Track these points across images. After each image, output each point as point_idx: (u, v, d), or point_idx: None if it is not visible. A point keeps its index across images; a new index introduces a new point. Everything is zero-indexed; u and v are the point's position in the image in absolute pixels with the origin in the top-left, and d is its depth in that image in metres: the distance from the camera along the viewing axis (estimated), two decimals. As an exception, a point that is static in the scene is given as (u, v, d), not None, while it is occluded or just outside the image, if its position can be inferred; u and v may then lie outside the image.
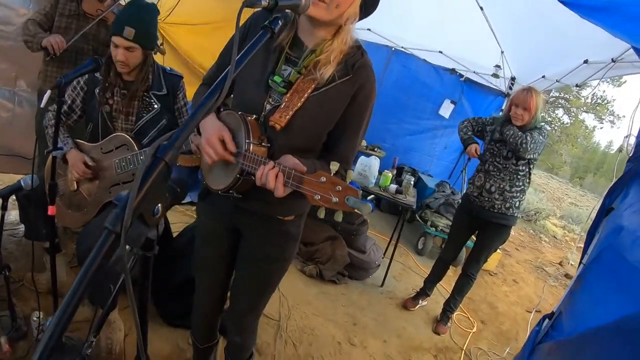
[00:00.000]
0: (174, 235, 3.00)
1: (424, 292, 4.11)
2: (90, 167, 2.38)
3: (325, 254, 4.14)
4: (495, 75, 5.59)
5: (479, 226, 3.62)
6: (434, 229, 5.41)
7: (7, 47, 3.31)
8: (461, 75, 6.76)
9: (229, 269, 1.91)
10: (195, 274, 2.00)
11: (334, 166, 1.24)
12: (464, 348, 3.70)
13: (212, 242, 1.87)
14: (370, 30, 6.22)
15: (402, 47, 6.75)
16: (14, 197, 2.39)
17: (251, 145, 1.45)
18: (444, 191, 5.97)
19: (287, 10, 1.30)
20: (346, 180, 1.21)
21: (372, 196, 4.54)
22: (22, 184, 2.27)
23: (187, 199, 4.21)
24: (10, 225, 3.30)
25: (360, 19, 1.55)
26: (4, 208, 2.22)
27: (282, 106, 1.50)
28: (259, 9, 1.12)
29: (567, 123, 23.46)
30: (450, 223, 5.23)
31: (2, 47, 3.35)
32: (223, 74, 1.00)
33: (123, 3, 3.16)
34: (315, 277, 4.06)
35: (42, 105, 2.16)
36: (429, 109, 7.02)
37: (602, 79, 3.77)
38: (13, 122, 3.55)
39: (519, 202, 3.40)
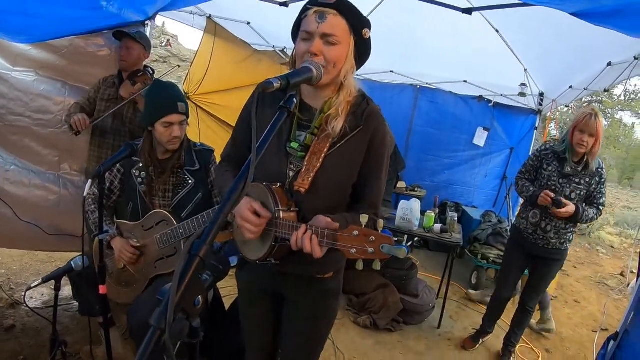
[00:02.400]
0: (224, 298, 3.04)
1: (484, 330, 3.93)
2: (136, 248, 2.50)
3: (378, 302, 4.10)
4: (522, 94, 5.57)
5: (533, 260, 3.46)
6: (485, 261, 5.27)
7: (47, 134, 3.53)
8: (489, 101, 6.73)
9: (275, 330, 1.94)
10: (244, 339, 2.04)
11: (364, 218, 1.30)
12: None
13: (256, 307, 1.93)
14: (393, 72, 6.33)
15: (427, 83, 6.82)
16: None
17: (281, 212, 1.52)
18: (490, 221, 5.86)
19: None
20: (378, 230, 1.28)
21: (417, 239, 4.48)
22: (73, 265, 2.47)
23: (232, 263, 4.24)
24: (65, 301, 3.47)
25: (358, 67, 1.63)
26: (57, 289, 2.38)
27: (304, 170, 1.58)
28: (272, 91, 1.20)
29: (605, 125, 22.76)
30: (501, 253, 5.10)
31: (43, 134, 3.56)
32: (246, 163, 1.07)
33: None
34: (370, 327, 4.00)
35: (84, 194, 2.29)
36: (463, 140, 6.99)
37: (629, 78, 3.68)
38: (60, 204, 3.71)
39: (572, 235, 3.30)
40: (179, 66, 6.33)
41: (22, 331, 3.33)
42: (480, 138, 6.84)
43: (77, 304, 3.20)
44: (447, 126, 6.97)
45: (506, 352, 3.71)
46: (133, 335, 2.45)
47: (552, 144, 3.30)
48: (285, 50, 5.51)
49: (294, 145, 1.59)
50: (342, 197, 1.67)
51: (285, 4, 3.63)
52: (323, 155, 1.56)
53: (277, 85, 1.21)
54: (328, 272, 1.76)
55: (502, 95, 6.44)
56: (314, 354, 1.91)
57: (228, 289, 3.45)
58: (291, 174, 1.62)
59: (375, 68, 6.20)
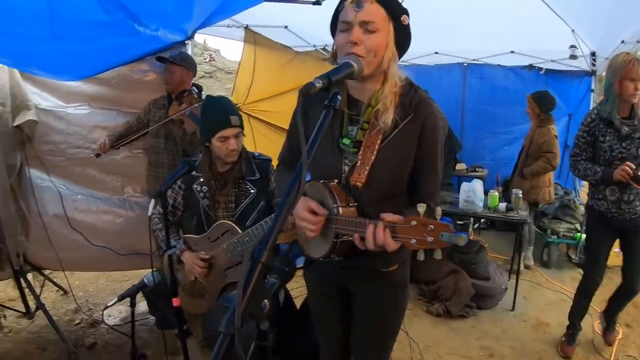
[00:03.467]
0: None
1: (575, 328, 3.49)
2: (205, 260, 2.60)
3: (449, 289, 4.07)
4: (573, 57, 5.34)
5: (622, 234, 3.15)
6: (555, 236, 5.12)
7: (108, 161, 3.75)
8: (540, 69, 6.45)
9: (347, 326, 1.98)
10: (318, 338, 2.11)
11: (422, 208, 1.30)
12: (612, 358, 3.38)
13: (325, 304, 1.99)
14: (437, 53, 6.23)
15: (474, 60, 6.67)
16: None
17: (340, 208, 1.54)
18: (556, 194, 5.62)
19: None
20: (436, 218, 1.26)
21: (483, 220, 4.40)
22: (146, 281, 2.57)
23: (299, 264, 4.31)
24: (141, 316, 3.68)
25: (400, 56, 1.61)
26: (133, 305, 2.50)
27: (359, 164, 1.59)
28: (315, 92, 1.21)
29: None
30: (571, 227, 4.91)
31: (104, 162, 3.78)
32: (298, 166, 1.09)
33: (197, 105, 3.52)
34: (443, 314, 3.99)
35: (149, 214, 2.42)
36: (518, 112, 6.66)
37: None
38: (128, 225, 3.93)
39: None
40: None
41: (103, 348, 3.59)
42: (536, 108, 6.59)
43: (153, 318, 3.36)
44: (499, 101, 6.75)
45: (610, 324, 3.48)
46: (208, 344, 2.59)
47: (596, 110, 3.00)
48: (326, 47, 5.54)
49: (346, 141, 1.62)
50: (399, 187, 1.68)
51: (318, 2, 3.64)
52: (376, 147, 1.57)
53: (319, 85, 1.22)
54: (393, 265, 1.77)
55: (552, 60, 6.17)
56: (386, 346, 1.94)
57: (299, 290, 3.53)
58: (346, 169, 1.64)
59: (419, 51, 6.13)
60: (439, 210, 1.28)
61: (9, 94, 3.37)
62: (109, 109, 3.77)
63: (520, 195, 4.27)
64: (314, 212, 1.54)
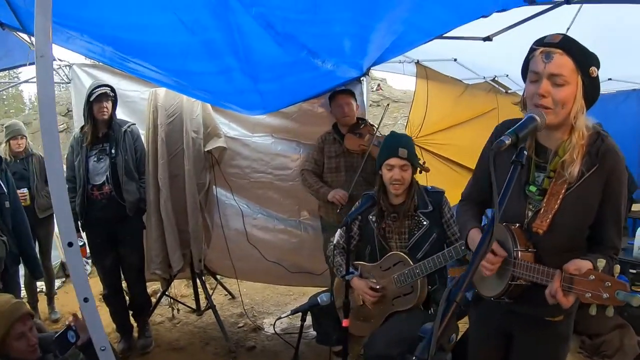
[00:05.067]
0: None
1: None
2: (377, 290, 2.80)
3: (613, 345, 3.80)
4: None
5: None
6: None
7: (288, 187, 4.19)
8: None
9: None
10: None
11: (601, 263, 1.36)
12: None
13: (485, 343, 2.04)
14: (611, 79, 5.76)
15: (653, 86, 6.02)
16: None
17: (519, 252, 1.62)
18: None
19: None
20: (614, 275, 1.33)
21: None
22: (319, 300, 2.86)
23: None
24: (304, 329, 3.95)
25: (588, 107, 1.61)
26: (303, 320, 2.86)
27: (542, 211, 1.64)
28: (505, 148, 1.33)
29: None
30: None
31: (284, 187, 4.25)
32: (490, 219, 1.25)
33: (379, 135, 3.74)
34: (602, 372, 3.75)
35: (334, 242, 2.72)
36: None
37: None
38: (301, 246, 4.37)
39: None
40: (388, 105, 6.74)
41: (261, 352, 3.98)
42: None
43: (313, 333, 3.68)
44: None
45: None
46: None
47: None
48: (496, 78, 5.51)
49: (532, 189, 1.68)
50: (578, 238, 1.69)
51: (488, 39, 3.71)
52: (561, 196, 1.61)
53: (508, 142, 1.32)
54: (559, 315, 1.77)
55: None
56: None
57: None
58: (529, 214, 1.70)
59: (591, 80, 5.77)
60: (617, 268, 1.36)
61: (201, 124, 3.92)
62: (290, 140, 4.21)
63: None
64: (493, 252, 1.64)
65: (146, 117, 3.80)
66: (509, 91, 5.69)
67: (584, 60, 1.54)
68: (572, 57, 1.52)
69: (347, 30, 2.73)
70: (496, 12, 2.38)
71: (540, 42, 1.58)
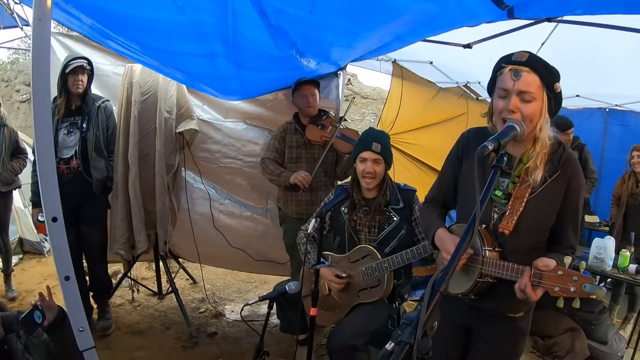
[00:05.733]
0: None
1: None
2: (343, 278, 2.86)
3: (564, 347, 3.95)
4: None
5: None
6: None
7: (256, 174, 4.12)
8: None
9: None
10: None
11: (568, 259, 1.50)
12: None
13: (445, 338, 2.06)
14: (579, 96, 6.01)
15: (617, 105, 6.37)
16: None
17: (487, 251, 1.73)
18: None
19: None
20: (580, 270, 1.44)
21: (609, 280, 4.26)
22: (287, 289, 2.86)
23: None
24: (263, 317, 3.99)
25: (551, 118, 1.74)
26: (270, 307, 2.84)
27: (507, 213, 1.76)
28: (487, 153, 1.43)
29: None
30: None
31: (253, 174, 4.25)
32: (471, 219, 1.32)
33: (341, 127, 3.79)
34: (554, 372, 3.92)
35: (308, 232, 2.77)
36: (664, 167, 6.31)
37: None
38: (266, 234, 4.41)
39: None
40: (354, 98, 6.78)
41: (222, 338, 4.00)
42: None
43: (275, 321, 3.70)
44: (644, 152, 6.36)
45: None
46: (333, 356, 2.78)
47: None
48: (468, 84, 5.64)
49: (498, 193, 1.80)
50: (541, 238, 1.82)
51: (469, 46, 3.81)
52: (525, 199, 1.72)
53: (491, 147, 1.43)
54: (520, 312, 1.89)
55: None
56: None
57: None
58: (495, 216, 1.82)
59: (560, 94, 5.97)
60: (583, 264, 1.47)
61: (175, 104, 3.88)
62: (262, 128, 4.23)
63: None
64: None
65: (120, 92, 3.74)
66: (480, 98, 5.88)
67: (549, 77, 1.66)
68: (538, 74, 1.64)
69: (337, 40, 2.83)
70: (485, 23, 2.46)
71: (508, 60, 1.69)
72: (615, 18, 2.94)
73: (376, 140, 2.83)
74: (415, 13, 2.35)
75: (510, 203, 1.76)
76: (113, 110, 3.80)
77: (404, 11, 2.35)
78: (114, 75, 4.02)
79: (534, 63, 1.65)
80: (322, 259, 2.81)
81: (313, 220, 2.75)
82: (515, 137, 1.57)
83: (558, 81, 1.68)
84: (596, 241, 4.15)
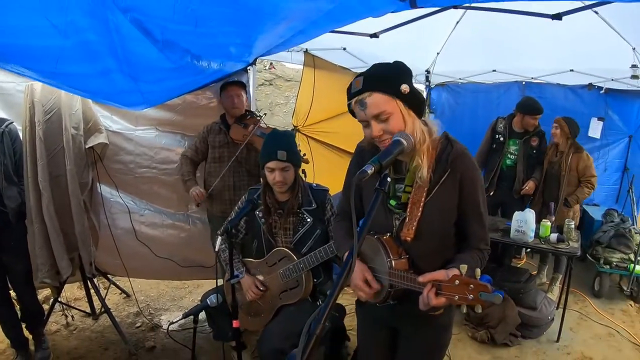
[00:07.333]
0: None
1: None
2: (261, 283, 2.99)
3: (495, 316, 4.15)
4: (635, 77, 5.17)
5: None
6: (607, 266, 5.08)
7: (173, 181, 4.16)
8: (600, 88, 6.30)
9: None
10: None
11: (463, 268, 1.51)
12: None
13: (372, 340, 2.21)
14: (496, 71, 6.24)
15: (532, 78, 6.63)
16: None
17: (393, 262, 1.76)
18: (612, 221, 5.62)
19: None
20: (476, 277, 1.48)
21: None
22: (208, 302, 3.01)
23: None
24: (199, 324, 3.98)
25: (421, 113, 1.76)
26: (196, 322, 2.94)
27: (407, 220, 1.78)
28: (367, 178, 1.43)
29: None
30: (625, 257, 4.93)
31: (169, 181, 4.24)
32: (348, 256, 1.33)
33: (263, 125, 3.88)
34: (487, 342, 4.10)
35: (216, 250, 2.83)
36: (581, 134, 6.65)
37: None
38: (190, 239, 4.42)
39: None
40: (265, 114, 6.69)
41: (161, 351, 4.02)
42: (595, 129, 6.39)
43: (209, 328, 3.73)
44: (560, 121, 6.70)
45: None
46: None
47: None
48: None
49: (393, 202, 1.82)
50: (445, 239, 1.85)
51: (375, 35, 3.88)
52: (422, 204, 1.74)
53: (370, 171, 1.42)
54: (439, 310, 1.84)
55: (612, 79, 5.98)
56: None
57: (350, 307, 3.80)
58: (397, 223, 1.84)
59: (477, 69, 6.23)
60: (478, 272, 1.50)
61: (82, 119, 3.77)
62: (174, 133, 4.20)
63: (573, 226, 4.31)
64: (368, 285, 1.79)
65: (22, 113, 3.58)
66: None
67: (390, 85, 1.67)
68: (379, 91, 1.65)
69: (232, 41, 2.77)
70: (390, 12, 2.45)
71: (350, 95, 1.73)
72: (517, 5, 3.09)
73: (281, 148, 2.81)
74: (307, 11, 2.35)
75: (408, 209, 1.78)
76: (18, 132, 3.63)
77: (293, 11, 2.32)
78: (17, 94, 3.78)
79: (370, 84, 1.67)
80: (236, 272, 2.91)
81: (219, 239, 2.81)
82: (402, 151, 1.60)
83: (404, 80, 1.67)
84: (517, 215, 4.33)
